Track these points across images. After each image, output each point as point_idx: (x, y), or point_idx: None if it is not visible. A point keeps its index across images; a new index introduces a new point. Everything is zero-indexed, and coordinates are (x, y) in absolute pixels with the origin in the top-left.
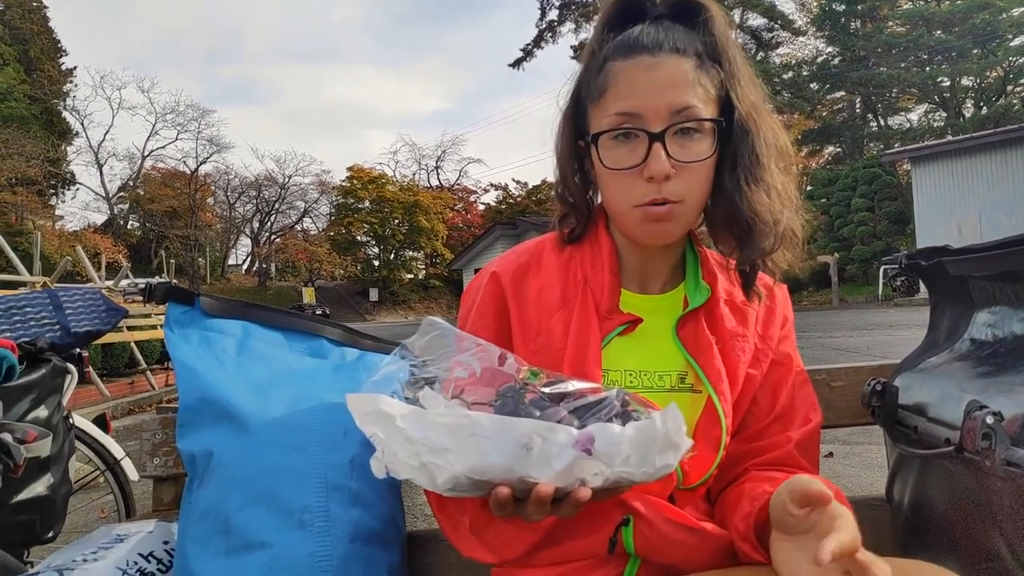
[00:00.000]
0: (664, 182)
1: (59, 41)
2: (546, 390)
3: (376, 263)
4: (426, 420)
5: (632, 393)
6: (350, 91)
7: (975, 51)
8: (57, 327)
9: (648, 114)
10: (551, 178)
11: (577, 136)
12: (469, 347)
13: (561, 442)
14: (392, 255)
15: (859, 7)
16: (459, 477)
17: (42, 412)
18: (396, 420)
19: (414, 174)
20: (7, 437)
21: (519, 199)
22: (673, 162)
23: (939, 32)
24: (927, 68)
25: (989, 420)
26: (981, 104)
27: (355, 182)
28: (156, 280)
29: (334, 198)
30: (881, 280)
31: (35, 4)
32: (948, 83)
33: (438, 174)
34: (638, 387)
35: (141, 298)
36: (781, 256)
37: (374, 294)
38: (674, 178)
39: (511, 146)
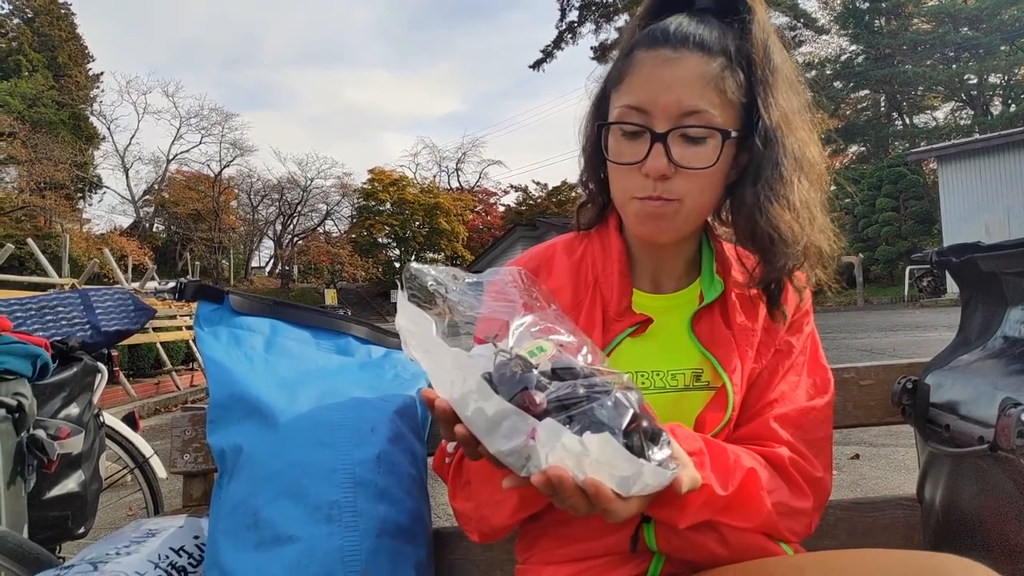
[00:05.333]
0: (661, 181)
1: (86, 47)
2: (542, 368)
3: (397, 265)
4: (440, 344)
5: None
6: (366, 94)
7: (1003, 48)
8: (88, 326)
9: (656, 111)
10: (571, 179)
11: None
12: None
13: (521, 429)
14: (413, 257)
15: (883, 4)
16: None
17: (74, 409)
18: (431, 329)
19: (434, 176)
20: (41, 433)
21: (539, 200)
22: (674, 164)
23: (966, 29)
24: (953, 65)
25: None
26: (1009, 101)
27: (376, 184)
28: (187, 279)
29: (355, 200)
30: (907, 281)
31: (63, 11)
32: (975, 80)
33: (458, 176)
34: (650, 388)
35: (171, 297)
36: (804, 273)
37: (395, 295)
38: (674, 178)
39: (531, 148)
